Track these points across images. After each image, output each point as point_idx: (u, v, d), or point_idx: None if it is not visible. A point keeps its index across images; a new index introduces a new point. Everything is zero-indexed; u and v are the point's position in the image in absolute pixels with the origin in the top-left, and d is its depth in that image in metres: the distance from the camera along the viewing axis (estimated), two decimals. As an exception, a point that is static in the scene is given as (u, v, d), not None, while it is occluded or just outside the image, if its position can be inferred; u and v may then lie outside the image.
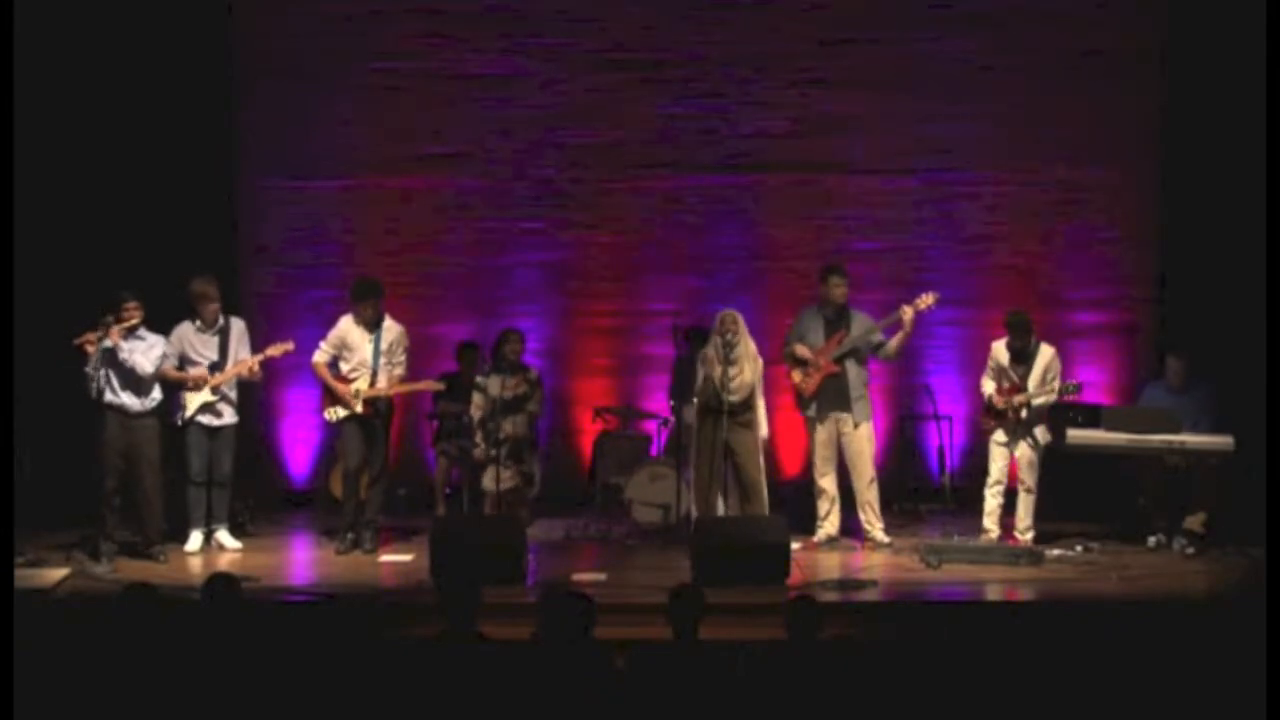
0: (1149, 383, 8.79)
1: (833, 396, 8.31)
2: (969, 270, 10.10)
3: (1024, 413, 8.23)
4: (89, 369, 7.80)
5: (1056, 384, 8.25)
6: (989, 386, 8.42)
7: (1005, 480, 8.37)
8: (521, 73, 10.19)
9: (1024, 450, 8.30)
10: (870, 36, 10.07)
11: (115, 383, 7.85)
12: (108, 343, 7.75)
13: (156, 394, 8.01)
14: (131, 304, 7.85)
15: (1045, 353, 8.31)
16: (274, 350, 8.31)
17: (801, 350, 8.36)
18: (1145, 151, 10.05)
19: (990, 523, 8.37)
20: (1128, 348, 10.14)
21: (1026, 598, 7.20)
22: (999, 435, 8.37)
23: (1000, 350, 8.41)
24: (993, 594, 7.30)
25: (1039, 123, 10.08)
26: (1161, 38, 9.92)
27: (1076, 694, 5.26)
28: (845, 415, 8.31)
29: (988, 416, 8.44)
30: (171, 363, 8.18)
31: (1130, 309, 10.19)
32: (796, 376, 8.40)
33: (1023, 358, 8.30)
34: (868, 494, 8.36)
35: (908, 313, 8.20)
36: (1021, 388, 8.25)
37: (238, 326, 8.39)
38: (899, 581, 7.45)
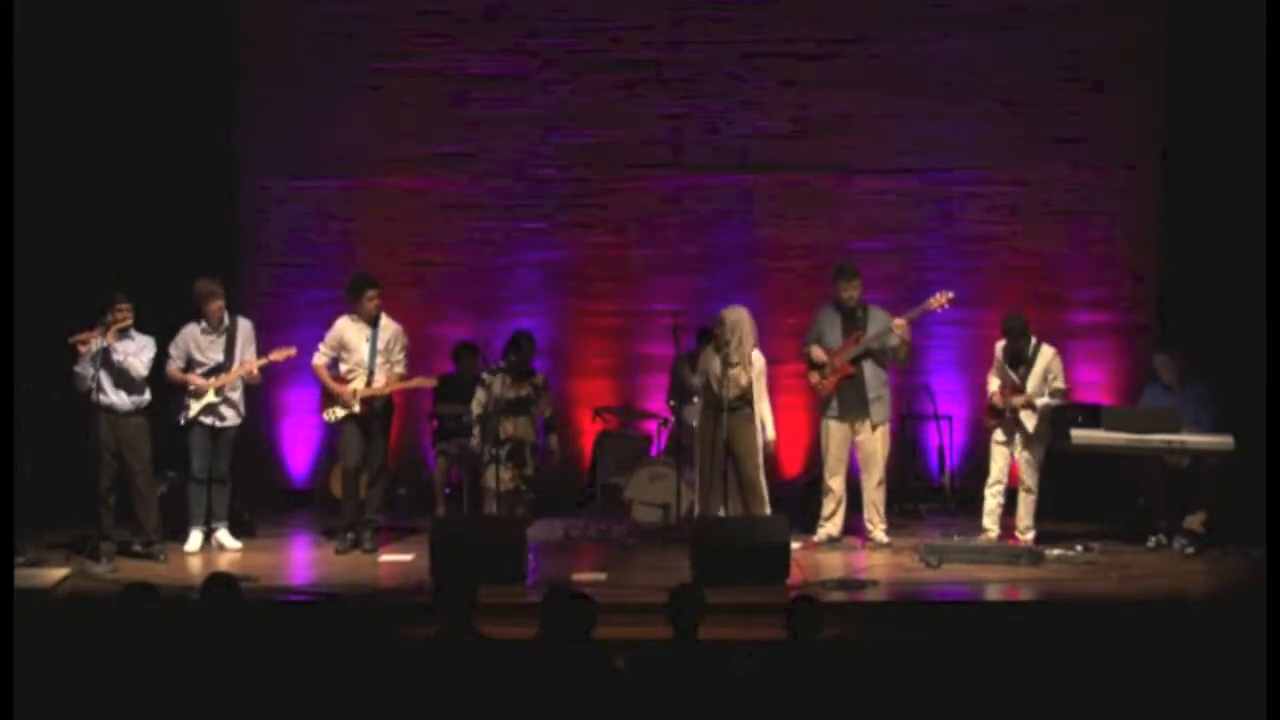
0: (1149, 383, 8.78)
1: (850, 398, 8.28)
2: (969, 270, 10.08)
3: (1021, 414, 8.24)
4: (79, 368, 7.81)
5: (1059, 384, 8.24)
6: (994, 384, 8.42)
7: (1005, 480, 8.37)
8: (521, 73, 10.18)
9: (1023, 450, 8.30)
10: (870, 36, 10.07)
11: (106, 383, 7.84)
12: (103, 343, 7.76)
13: (147, 394, 8.01)
14: (123, 306, 7.85)
15: (1045, 354, 8.29)
16: (277, 355, 8.31)
17: (818, 353, 8.33)
18: (1145, 151, 10.05)
19: (990, 522, 8.37)
20: (1128, 348, 10.12)
21: (1026, 598, 7.20)
22: (999, 435, 8.38)
23: (1002, 351, 8.42)
24: (993, 594, 7.31)
25: (1039, 123, 10.08)
26: (1161, 37, 9.91)
27: (1076, 694, 5.26)
28: (863, 417, 8.28)
29: (989, 415, 8.46)
30: (178, 364, 8.20)
31: (1130, 309, 10.18)
32: (814, 378, 8.37)
33: (1020, 361, 8.30)
34: (875, 495, 8.36)
35: (900, 325, 8.19)
36: (1021, 389, 8.25)
37: (245, 327, 8.38)
38: (899, 581, 7.45)
